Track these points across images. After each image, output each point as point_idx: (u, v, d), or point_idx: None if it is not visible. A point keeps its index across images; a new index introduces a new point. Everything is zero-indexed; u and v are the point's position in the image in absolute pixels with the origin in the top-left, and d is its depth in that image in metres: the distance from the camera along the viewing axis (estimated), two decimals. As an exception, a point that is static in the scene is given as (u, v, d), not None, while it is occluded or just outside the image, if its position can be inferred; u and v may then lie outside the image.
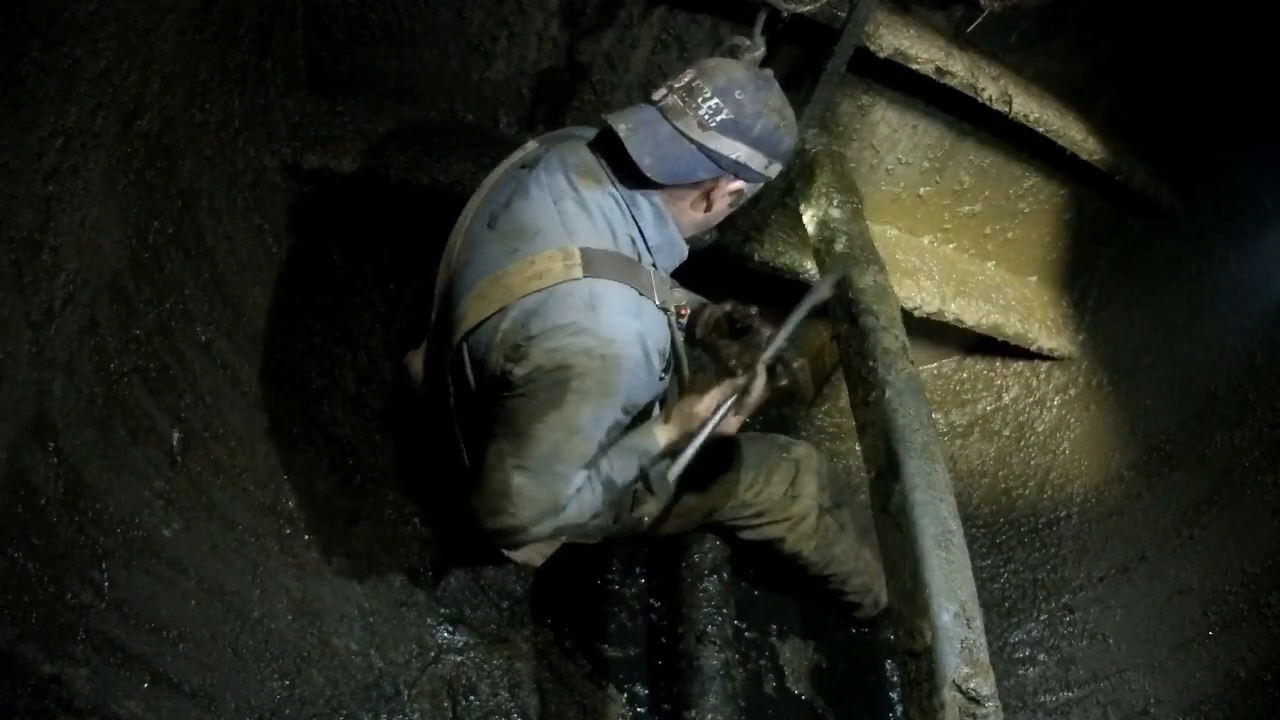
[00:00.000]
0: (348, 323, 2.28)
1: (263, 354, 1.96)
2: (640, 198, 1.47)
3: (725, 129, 1.43)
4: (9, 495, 1.22)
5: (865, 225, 2.21)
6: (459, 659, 1.98)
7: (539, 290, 1.34)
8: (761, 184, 1.57)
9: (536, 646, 2.09)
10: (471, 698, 1.93)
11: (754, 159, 1.47)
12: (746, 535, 2.07)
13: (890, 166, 2.65)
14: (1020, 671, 2.40)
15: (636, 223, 1.47)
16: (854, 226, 2.15)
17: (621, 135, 1.41)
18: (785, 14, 1.87)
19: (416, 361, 1.74)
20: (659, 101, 1.46)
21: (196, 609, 1.55)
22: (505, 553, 1.75)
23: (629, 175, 1.45)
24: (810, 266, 2.43)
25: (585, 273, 1.35)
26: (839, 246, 2.10)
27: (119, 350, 1.48)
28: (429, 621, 2.00)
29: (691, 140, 1.42)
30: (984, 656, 1.32)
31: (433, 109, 2.39)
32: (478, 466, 1.46)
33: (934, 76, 2.29)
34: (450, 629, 2.01)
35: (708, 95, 1.42)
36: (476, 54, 2.28)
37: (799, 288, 2.58)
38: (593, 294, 1.34)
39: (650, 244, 1.49)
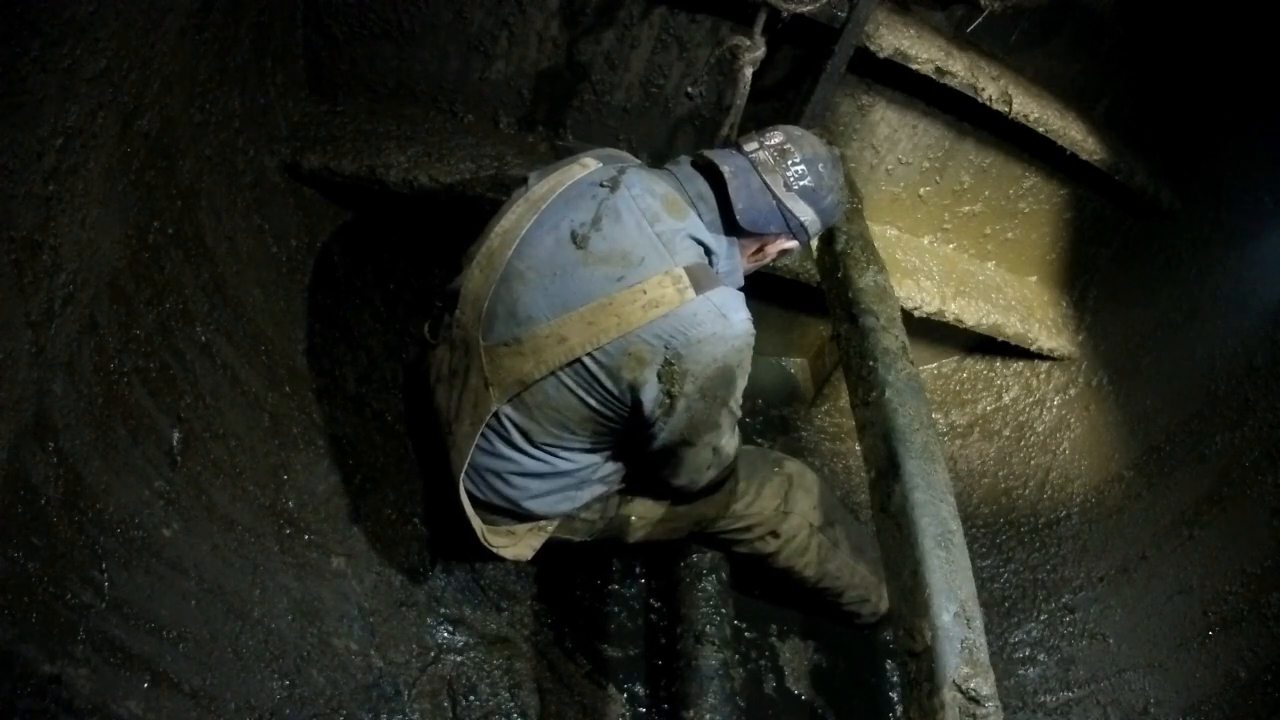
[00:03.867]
0: (348, 323, 2.28)
1: (263, 354, 1.96)
2: (719, 234, 1.62)
3: (804, 194, 1.63)
4: (9, 495, 1.22)
5: (865, 225, 2.21)
6: (459, 659, 1.98)
7: (663, 316, 1.46)
8: (804, 247, 1.77)
9: (536, 646, 2.09)
10: (471, 698, 1.93)
11: (813, 225, 1.68)
12: (738, 549, 2.07)
13: (890, 166, 2.65)
14: (1020, 671, 2.40)
15: (713, 252, 1.61)
16: (854, 226, 2.15)
17: (725, 175, 1.59)
18: (785, 14, 1.87)
19: (442, 350, 1.73)
20: (750, 153, 1.63)
21: (196, 609, 1.55)
22: (496, 551, 1.76)
23: (710, 212, 1.61)
24: (810, 268, 2.43)
25: (698, 291, 1.48)
26: (839, 246, 2.10)
27: (119, 350, 1.48)
28: (429, 621, 2.00)
29: (776, 197, 1.62)
30: (984, 656, 1.32)
31: (433, 109, 2.39)
32: (665, 468, 1.68)
33: (934, 76, 2.29)
34: (450, 629, 2.01)
35: (796, 160, 1.62)
36: (476, 54, 2.28)
37: (799, 288, 2.60)
38: (717, 305, 1.49)
39: (719, 271, 1.63)
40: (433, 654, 1.95)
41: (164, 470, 1.57)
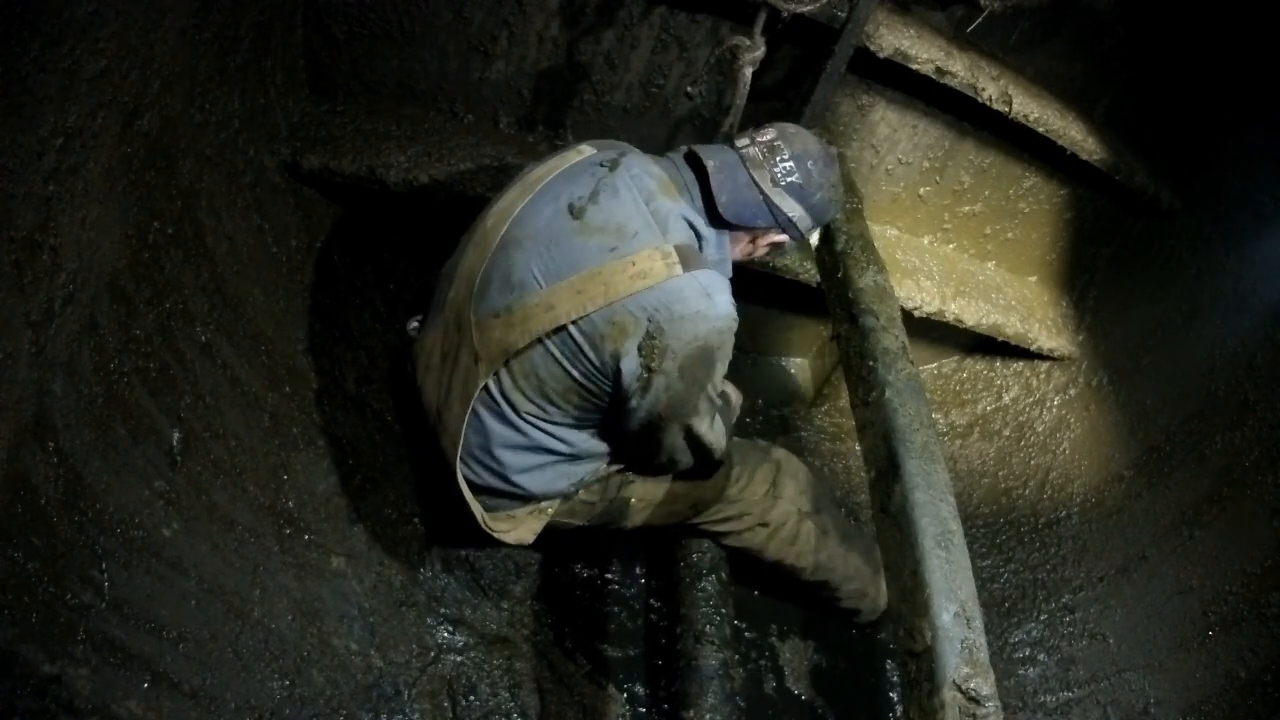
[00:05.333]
0: (348, 323, 2.28)
1: (263, 354, 1.96)
2: (708, 224, 1.64)
3: (792, 190, 1.65)
4: (9, 495, 1.22)
5: (865, 225, 2.22)
6: (459, 659, 1.98)
7: (649, 288, 1.48)
8: (796, 242, 1.78)
9: (536, 646, 2.09)
10: (471, 698, 1.93)
11: (803, 221, 1.70)
12: (728, 541, 2.08)
13: (890, 166, 2.65)
14: (1020, 671, 2.40)
15: (704, 238, 1.63)
16: (854, 226, 2.15)
17: (709, 170, 1.61)
18: (785, 14, 1.87)
19: (432, 338, 1.72)
20: (741, 149, 1.66)
21: (196, 609, 1.55)
22: (498, 536, 1.76)
23: (699, 203, 1.63)
24: (810, 268, 2.43)
25: (685, 268, 1.50)
26: (839, 246, 2.10)
27: (119, 350, 1.48)
28: (429, 621, 2.00)
29: (762, 192, 1.64)
30: (984, 656, 1.32)
31: (433, 109, 2.39)
32: (650, 448, 1.69)
33: (934, 76, 2.29)
34: (450, 629, 2.01)
35: (785, 157, 1.64)
36: (476, 54, 2.28)
37: (799, 288, 2.60)
38: (703, 284, 1.51)
39: (708, 258, 1.64)
40: (433, 654, 1.95)
41: (164, 470, 1.57)
